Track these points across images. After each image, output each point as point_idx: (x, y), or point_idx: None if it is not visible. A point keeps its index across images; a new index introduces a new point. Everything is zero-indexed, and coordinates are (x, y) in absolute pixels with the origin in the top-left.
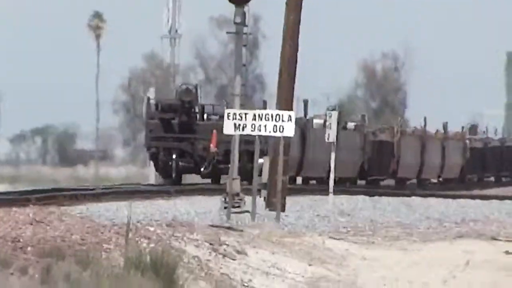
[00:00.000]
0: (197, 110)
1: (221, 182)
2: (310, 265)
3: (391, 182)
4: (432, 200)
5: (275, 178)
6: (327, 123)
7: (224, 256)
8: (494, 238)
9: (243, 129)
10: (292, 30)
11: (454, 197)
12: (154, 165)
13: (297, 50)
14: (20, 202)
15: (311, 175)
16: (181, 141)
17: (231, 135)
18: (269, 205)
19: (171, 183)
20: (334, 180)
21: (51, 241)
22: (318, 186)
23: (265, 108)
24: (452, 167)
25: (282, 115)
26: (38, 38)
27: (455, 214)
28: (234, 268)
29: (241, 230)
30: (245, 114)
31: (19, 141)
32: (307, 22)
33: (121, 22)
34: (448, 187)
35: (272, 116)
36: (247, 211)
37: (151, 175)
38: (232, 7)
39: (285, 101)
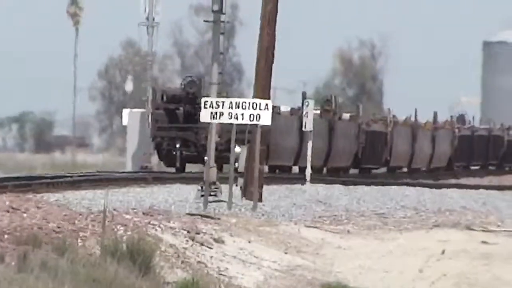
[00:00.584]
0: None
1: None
2: (286, 253)
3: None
4: (408, 189)
5: (252, 166)
6: (304, 112)
7: (201, 244)
8: (469, 228)
9: (220, 117)
10: (270, 18)
11: (430, 186)
12: (158, 154)
13: (274, 38)
14: None
15: (337, 164)
16: (185, 130)
17: (232, 125)
18: (246, 194)
19: (177, 172)
20: (328, 169)
21: (27, 228)
22: (295, 174)
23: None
24: (441, 156)
25: (259, 104)
26: (15, 25)
27: (431, 204)
28: (210, 256)
29: (218, 219)
30: (222, 102)
31: None
32: (285, 10)
33: (99, 9)
34: (436, 175)
35: (249, 105)
36: (224, 200)
37: (127, 162)
38: None
39: (262, 90)
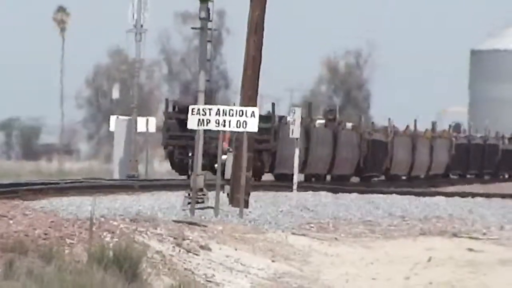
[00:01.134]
0: None
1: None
2: (273, 261)
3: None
4: (395, 197)
5: (238, 174)
6: (291, 119)
7: (187, 251)
8: (456, 235)
9: (207, 124)
10: (257, 26)
11: (417, 194)
12: (170, 163)
13: (261, 46)
14: None
15: (313, 172)
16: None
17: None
18: (233, 201)
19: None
20: (332, 177)
21: (14, 235)
22: (282, 182)
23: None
24: (439, 164)
25: (246, 111)
26: (1, 31)
27: (418, 211)
28: (197, 264)
29: (205, 226)
30: (209, 109)
31: None
32: (272, 18)
33: (86, 16)
34: (434, 182)
35: (236, 112)
36: (211, 207)
37: (115, 169)
38: (197, 2)
39: (249, 97)
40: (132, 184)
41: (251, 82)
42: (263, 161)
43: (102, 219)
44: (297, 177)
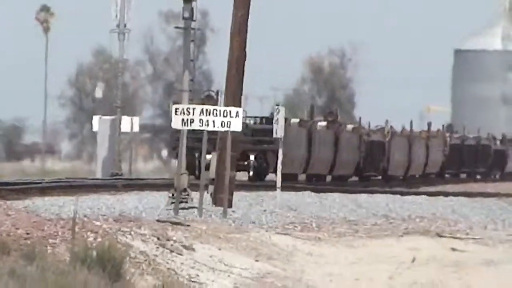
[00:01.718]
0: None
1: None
2: (256, 260)
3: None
4: (379, 197)
5: (222, 173)
6: (274, 119)
7: (171, 251)
8: (439, 235)
9: (190, 124)
10: (240, 26)
11: (401, 193)
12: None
13: (245, 46)
14: None
15: (316, 172)
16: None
17: (250, 137)
18: (216, 201)
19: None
20: (333, 177)
21: None
22: (266, 182)
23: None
24: (434, 163)
25: (230, 111)
26: None
27: (401, 211)
28: (181, 263)
29: (188, 226)
30: (193, 109)
31: None
32: (256, 17)
33: (69, 16)
34: (429, 181)
35: (220, 112)
36: (194, 207)
37: (97, 169)
38: (180, 2)
39: (233, 97)
40: (116, 183)
41: (235, 82)
42: (268, 162)
43: (85, 219)
44: (280, 177)
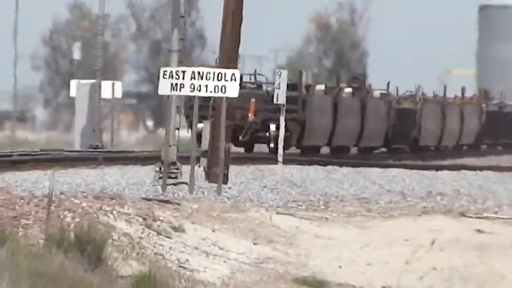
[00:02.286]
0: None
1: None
2: (255, 244)
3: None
4: (394, 171)
5: (216, 145)
6: (276, 83)
7: (158, 233)
8: (463, 215)
9: (180, 89)
10: None
11: (420, 167)
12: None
13: (242, 0)
14: None
15: (341, 144)
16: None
17: (271, 105)
18: (210, 176)
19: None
20: (359, 148)
21: None
22: (266, 154)
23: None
24: (469, 133)
25: (225, 74)
26: None
27: (420, 187)
28: (169, 247)
29: (178, 204)
30: (183, 72)
31: None
32: None
33: None
34: (463, 153)
35: (213, 75)
36: (185, 183)
37: (76, 140)
38: None
39: (229, 58)
40: (96, 156)
41: (231, 40)
42: (291, 132)
43: (62, 196)
44: (282, 149)
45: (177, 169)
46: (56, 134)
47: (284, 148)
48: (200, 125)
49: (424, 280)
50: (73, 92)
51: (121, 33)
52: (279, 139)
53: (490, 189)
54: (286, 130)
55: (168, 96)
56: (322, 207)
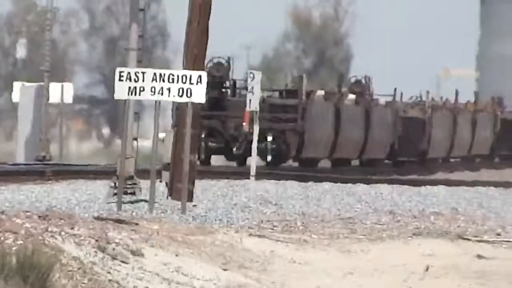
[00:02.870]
0: (228, 85)
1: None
2: (224, 269)
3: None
4: (382, 187)
5: (180, 157)
6: (248, 87)
7: (113, 257)
8: (461, 237)
9: (139, 93)
10: None
11: (411, 183)
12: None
13: None
14: None
15: (343, 156)
16: (211, 118)
17: (267, 114)
18: (173, 192)
19: (201, 164)
20: (362, 162)
21: None
22: (236, 168)
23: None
24: (482, 143)
25: (191, 76)
26: None
27: (412, 205)
28: (126, 273)
29: (136, 224)
30: (143, 73)
31: None
32: None
33: None
34: (475, 165)
35: (177, 77)
36: (144, 200)
37: (19, 151)
38: None
39: (195, 58)
40: (42, 169)
41: (198, 37)
42: (289, 144)
43: (3, 216)
44: (255, 161)
45: (135, 184)
46: None
47: (282, 161)
48: (161, 135)
49: None
50: (16, 96)
51: (71, 29)
52: (252, 150)
53: (491, 208)
54: (284, 141)
55: (125, 101)
56: (300, 228)
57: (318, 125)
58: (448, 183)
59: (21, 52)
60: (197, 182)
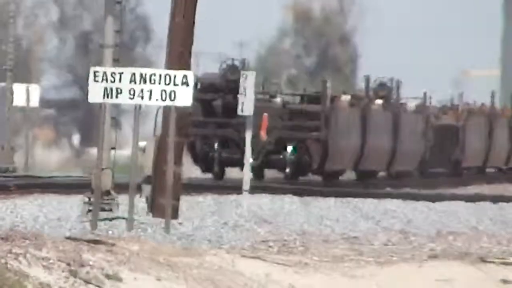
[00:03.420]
0: None
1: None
2: None
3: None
4: (393, 203)
5: (163, 169)
6: (241, 88)
7: (87, 282)
8: (483, 260)
9: (116, 96)
10: None
11: (426, 198)
12: (192, 156)
13: None
14: None
15: (369, 168)
16: (225, 127)
17: (288, 122)
18: (155, 208)
19: (215, 178)
20: (391, 174)
21: None
22: (225, 181)
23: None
24: None
25: (175, 76)
26: None
27: (427, 224)
28: None
29: (113, 245)
30: (120, 74)
31: None
32: None
33: None
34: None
35: (160, 77)
36: (122, 217)
37: None
38: None
39: (179, 56)
40: (5, 182)
41: (183, 33)
42: (311, 154)
43: None
44: (248, 174)
45: (112, 199)
46: None
47: (302, 174)
48: (141, 144)
49: None
50: None
51: (38, 22)
52: (245, 160)
53: None
54: (306, 152)
55: (101, 104)
56: (299, 249)
57: (343, 134)
58: (468, 198)
59: None
60: (182, 197)
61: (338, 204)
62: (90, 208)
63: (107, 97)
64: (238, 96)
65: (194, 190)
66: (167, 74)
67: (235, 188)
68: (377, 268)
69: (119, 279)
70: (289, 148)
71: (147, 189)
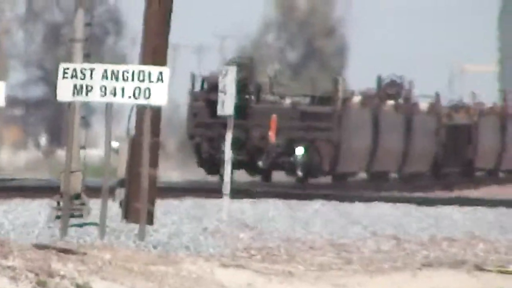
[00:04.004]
0: (252, 89)
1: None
2: None
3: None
4: (383, 207)
5: (137, 171)
6: (220, 85)
7: None
8: (480, 268)
9: (87, 94)
10: None
11: (419, 201)
12: (198, 158)
13: None
14: None
15: (381, 169)
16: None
17: (298, 122)
18: (129, 214)
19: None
20: (402, 176)
21: None
22: (204, 183)
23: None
24: None
25: (150, 72)
26: None
27: (420, 229)
28: None
29: (84, 254)
30: (91, 70)
31: None
32: None
33: None
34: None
35: (133, 74)
36: (94, 223)
37: None
38: None
39: (155, 50)
40: None
41: (158, 25)
42: (322, 156)
43: None
44: (228, 175)
45: (82, 204)
46: None
47: (313, 176)
48: (114, 144)
49: None
50: None
51: (3, 14)
52: (225, 161)
53: None
54: (317, 153)
55: (70, 103)
56: (284, 257)
57: (355, 134)
58: (463, 202)
59: None
60: (158, 201)
61: (326, 208)
62: (59, 213)
63: (77, 94)
64: (219, 94)
65: (170, 193)
66: (141, 71)
67: (215, 190)
68: (366, 278)
69: None
70: (300, 150)
71: (120, 192)
